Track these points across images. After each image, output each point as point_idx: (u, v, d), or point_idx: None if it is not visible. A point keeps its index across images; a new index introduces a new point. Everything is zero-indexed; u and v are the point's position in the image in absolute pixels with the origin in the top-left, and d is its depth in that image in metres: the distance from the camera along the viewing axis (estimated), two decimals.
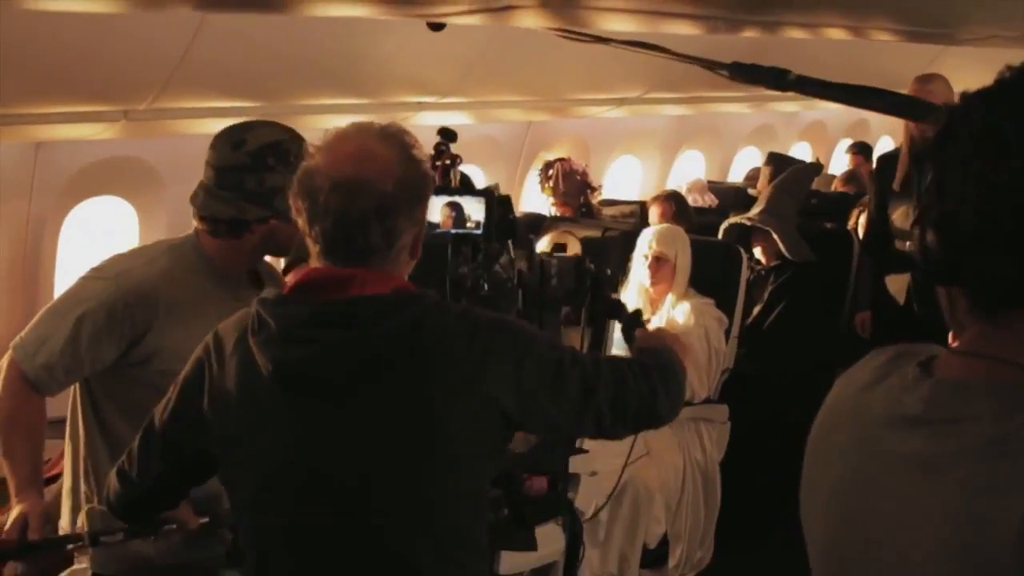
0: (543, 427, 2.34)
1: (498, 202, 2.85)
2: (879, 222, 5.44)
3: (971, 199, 1.19)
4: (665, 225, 5.32)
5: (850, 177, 8.10)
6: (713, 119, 8.09)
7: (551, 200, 6.42)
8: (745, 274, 5.24)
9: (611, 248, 5.59)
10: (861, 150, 8.88)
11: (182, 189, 4.66)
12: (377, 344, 2.02)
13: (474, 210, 2.84)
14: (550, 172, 6.40)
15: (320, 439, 2.06)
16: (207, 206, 2.73)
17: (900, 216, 5.32)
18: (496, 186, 3.01)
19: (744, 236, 5.70)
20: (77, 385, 2.78)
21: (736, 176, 8.69)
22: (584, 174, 6.48)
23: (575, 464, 4.21)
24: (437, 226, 2.75)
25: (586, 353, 2.55)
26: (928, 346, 1.33)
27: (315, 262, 2.09)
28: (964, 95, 1.26)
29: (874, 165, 5.65)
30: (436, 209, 2.76)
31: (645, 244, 5.03)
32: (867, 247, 5.64)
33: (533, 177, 6.61)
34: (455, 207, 2.84)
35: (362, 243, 2.03)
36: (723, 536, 5.00)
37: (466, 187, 2.95)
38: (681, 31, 4.17)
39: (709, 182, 7.70)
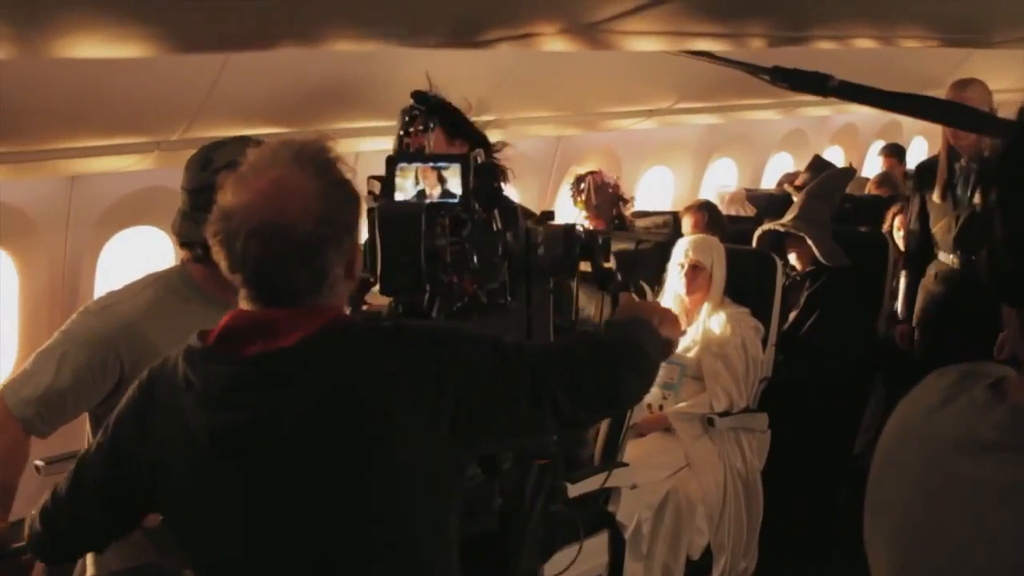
0: (500, 432, 2.16)
1: (482, 169, 2.67)
2: (921, 233, 5.42)
3: None
4: (700, 235, 5.33)
5: (883, 180, 8.06)
6: (744, 127, 8.07)
7: (584, 214, 6.43)
8: (781, 281, 5.22)
9: (645, 259, 5.60)
10: (894, 152, 8.83)
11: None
12: (306, 398, 1.92)
13: (451, 178, 2.61)
14: (582, 186, 6.40)
15: (263, 497, 1.95)
16: (183, 231, 2.72)
17: (941, 229, 5.27)
18: (478, 153, 2.78)
19: (778, 242, 5.69)
20: (87, 420, 2.79)
21: (769, 183, 8.66)
22: (616, 187, 6.47)
23: (616, 478, 4.21)
24: (423, 193, 2.54)
25: (532, 343, 2.46)
26: (996, 366, 1.29)
27: (243, 303, 1.99)
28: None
29: (914, 173, 5.65)
30: (416, 176, 2.56)
31: (681, 253, 5.04)
32: (909, 260, 5.58)
33: (565, 192, 6.62)
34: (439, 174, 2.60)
35: (286, 287, 1.94)
36: (766, 546, 4.98)
37: (441, 153, 2.75)
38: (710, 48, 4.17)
39: (746, 191, 7.69)
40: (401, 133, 4.07)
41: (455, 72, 4.48)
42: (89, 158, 3.81)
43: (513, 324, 2.67)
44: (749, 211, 7.32)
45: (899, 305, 5.64)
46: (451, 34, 3.31)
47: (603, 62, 4.27)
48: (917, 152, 10.02)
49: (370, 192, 2.63)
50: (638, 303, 2.65)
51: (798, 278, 5.70)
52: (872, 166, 9.47)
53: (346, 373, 1.94)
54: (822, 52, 5.14)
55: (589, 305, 4.50)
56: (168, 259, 4.73)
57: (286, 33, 2.85)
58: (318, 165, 1.93)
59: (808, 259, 5.68)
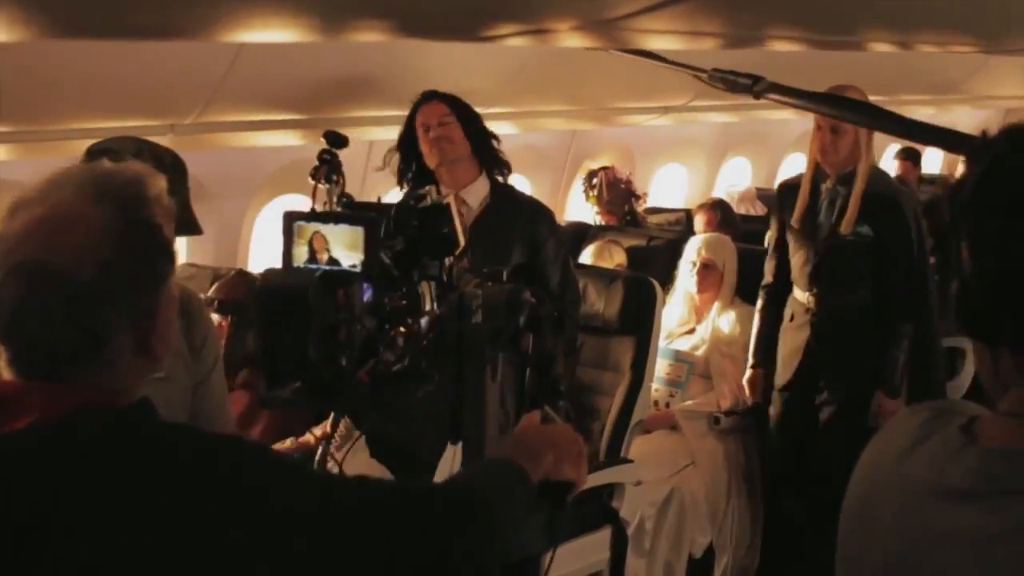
0: None
1: (429, 213, 2.23)
2: (778, 266, 4.74)
3: (1019, 254, 1.13)
4: (713, 233, 5.33)
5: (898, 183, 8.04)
6: (759, 126, 8.05)
7: (596, 209, 6.43)
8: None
9: (657, 256, 5.60)
10: (909, 155, 8.80)
11: (228, 202, 4.76)
12: (25, 504, 1.42)
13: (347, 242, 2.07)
14: (594, 181, 6.41)
15: None
16: None
17: (798, 262, 4.59)
18: (429, 190, 2.31)
19: None
20: None
21: None
22: (628, 183, 6.48)
23: (620, 474, 4.22)
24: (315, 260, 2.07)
25: (357, 482, 1.76)
26: (966, 404, 1.26)
27: (3, 370, 1.53)
28: (995, 140, 1.20)
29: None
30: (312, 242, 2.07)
31: (693, 251, 5.04)
32: (765, 297, 4.81)
33: (578, 186, 6.62)
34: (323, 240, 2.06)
35: (44, 349, 1.49)
36: (769, 545, 4.97)
37: (343, 212, 2.20)
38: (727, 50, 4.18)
39: (757, 189, 7.67)
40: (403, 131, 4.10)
41: (470, 63, 4.50)
42: (98, 139, 3.81)
43: (436, 405, 2.21)
44: (759, 210, 7.30)
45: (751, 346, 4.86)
46: (464, 28, 3.31)
47: (619, 57, 4.25)
48: (933, 157, 9.98)
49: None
50: (535, 432, 2.02)
51: None
52: (887, 169, 9.43)
53: (64, 504, 1.41)
54: (838, 56, 5.15)
55: (599, 301, 4.50)
56: (179, 242, 4.74)
57: (306, 25, 2.86)
58: (120, 199, 1.51)
59: None
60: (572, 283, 4.10)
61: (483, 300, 2.22)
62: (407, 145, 4.04)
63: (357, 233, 2.01)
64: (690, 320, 5.04)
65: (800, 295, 4.59)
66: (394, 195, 4.51)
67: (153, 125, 3.84)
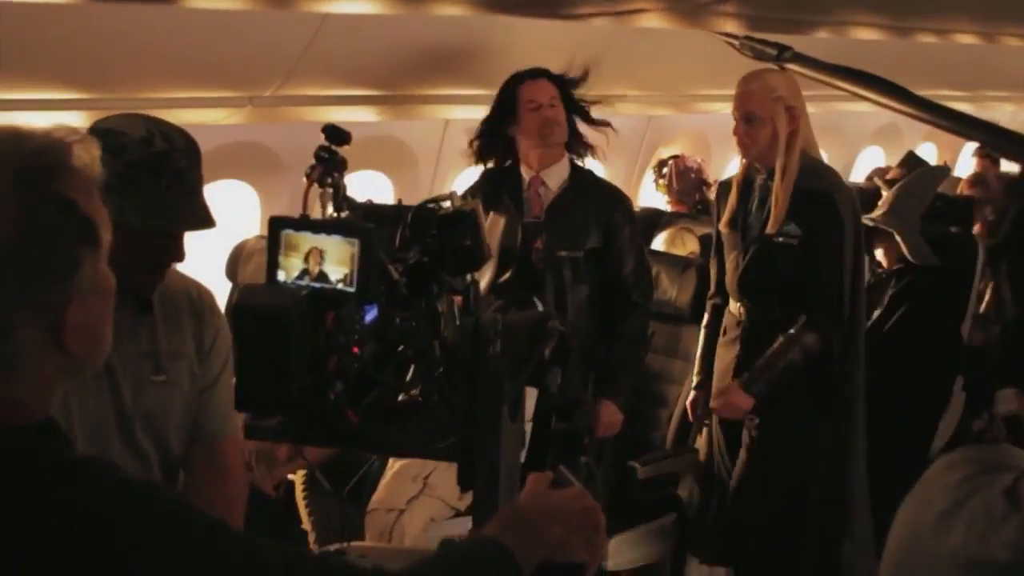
0: None
1: (448, 222, 1.93)
2: (718, 273, 4.23)
3: None
4: None
5: (977, 180, 7.89)
6: (837, 117, 7.96)
7: (666, 198, 6.39)
8: (866, 277, 5.13)
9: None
10: (989, 153, 8.66)
11: (301, 176, 4.76)
12: None
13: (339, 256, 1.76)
14: (664, 170, 6.37)
15: None
16: None
17: (729, 267, 4.11)
18: (452, 195, 2.03)
19: (865, 237, 5.59)
20: None
21: (858, 176, 8.54)
22: (699, 171, 6.42)
23: (685, 463, 4.19)
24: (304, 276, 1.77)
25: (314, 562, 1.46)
26: (1011, 453, 1.18)
27: None
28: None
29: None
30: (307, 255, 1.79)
31: None
32: (713, 310, 4.28)
33: (651, 173, 6.58)
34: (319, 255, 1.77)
35: None
36: None
37: (335, 221, 1.90)
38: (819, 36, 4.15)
39: None
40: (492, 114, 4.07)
41: (550, 44, 4.47)
42: (184, 109, 3.82)
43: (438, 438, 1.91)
44: None
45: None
46: (547, 4, 3.29)
47: (699, 43, 4.21)
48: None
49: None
50: (538, 502, 1.60)
51: (884, 275, 5.60)
52: (966, 166, 9.29)
53: None
54: (918, 48, 5.07)
55: (671, 288, 4.46)
56: (254, 215, 4.77)
57: None
58: (19, 170, 1.30)
59: (895, 256, 5.57)
60: (646, 272, 4.07)
61: (503, 327, 1.90)
62: (499, 121, 3.98)
63: (350, 247, 1.72)
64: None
65: (732, 305, 4.12)
66: (470, 175, 4.50)
67: (233, 96, 3.86)
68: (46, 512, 1.21)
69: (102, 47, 3.32)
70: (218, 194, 4.64)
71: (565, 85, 3.99)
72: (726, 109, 6.33)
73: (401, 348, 1.82)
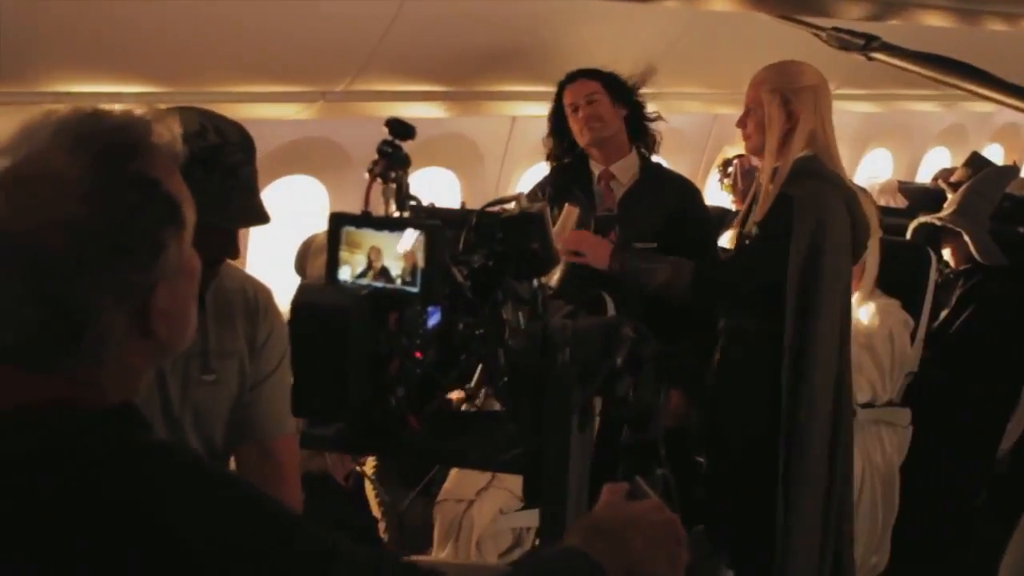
0: None
1: (513, 225, 1.83)
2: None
3: None
4: None
5: None
6: (903, 117, 7.90)
7: (731, 198, 6.37)
8: (933, 276, 5.10)
9: None
10: None
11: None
12: None
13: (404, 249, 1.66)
14: (729, 169, 6.34)
15: None
16: None
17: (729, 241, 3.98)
18: (518, 196, 1.92)
19: (933, 237, 5.55)
20: None
21: (924, 177, 8.47)
22: None
23: None
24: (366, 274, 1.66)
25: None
26: None
27: None
28: None
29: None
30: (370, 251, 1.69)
31: None
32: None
33: (716, 172, 6.57)
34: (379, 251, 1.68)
35: (14, 334, 1.25)
36: (899, 543, 4.89)
37: (400, 218, 1.79)
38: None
39: (899, 182, 7.54)
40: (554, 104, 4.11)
41: (618, 41, 4.48)
42: (254, 104, 3.86)
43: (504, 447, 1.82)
44: (900, 202, 7.18)
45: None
46: None
47: (766, 42, 4.20)
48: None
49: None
50: (619, 513, 1.52)
51: (951, 275, 5.57)
52: None
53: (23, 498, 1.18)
54: (991, 38, 5.02)
55: None
56: (322, 209, 4.81)
57: None
58: (102, 147, 1.25)
59: (963, 256, 5.53)
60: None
61: (573, 334, 1.81)
62: (557, 122, 4.06)
63: (415, 244, 1.63)
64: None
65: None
66: (536, 173, 4.52)
67: (305, 91, 3.88)
68: (120, 496, 1.17)
69: (175, 41, 3.34)
70: (287, 190, 4.69)
71: (608, 77, 4.02)
72: None
73: (464, 357, 1.75)
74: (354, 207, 4.63)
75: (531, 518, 3.59)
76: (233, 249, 2.24)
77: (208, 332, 2.30)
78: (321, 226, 4.68)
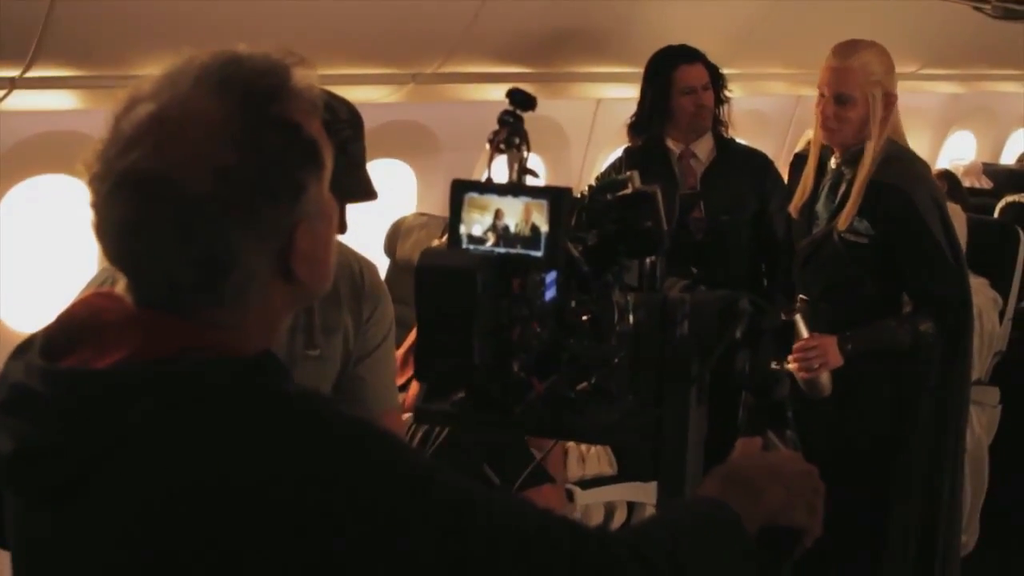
0: None
1: (630, 202, 1.83)
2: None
3: None
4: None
5: None
6: (988, 99, 7.82)
7: None
8: (1022, 255, 5.06)
9: None
10: None
11: (459, 155, 4.85)
12: (67, 467, 1.21)
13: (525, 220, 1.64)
14: None
15: (36, 555, 1.31)
16: None
17: (798, 259, 3.72)
18: (631, 175, 1.88)
19: (1021, 216, 5.51)
20: None
21: (1008, 159, 8.37)
22: None
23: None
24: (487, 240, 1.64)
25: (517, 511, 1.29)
26: None
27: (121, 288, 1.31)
28: None
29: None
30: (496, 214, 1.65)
31: None
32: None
33: None
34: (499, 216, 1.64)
35: (157, 277, 1.25)
36: (989, 522, 4.86)
37: (522, 185, 1.73)
38: None
39: (983, 164, 7.48)
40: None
41: (701, 23, 4.50)
42: (346, 86, 3.88)
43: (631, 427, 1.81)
44: (984, 184, 7.13)
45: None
46: None
47: (850, 23, 4.18)
48: None
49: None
50: (756, 463, 1.53)
51: None
52: None
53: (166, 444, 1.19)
54: None
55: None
56: (409, 192, 4.87)
57: None
58: (246, 90, 1.25)
59: None
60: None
61: (691, 308, 1.79)
62: (654, 99, 4.08)
63: (539, 209, 1.59)
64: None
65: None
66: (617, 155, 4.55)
67: (397, 73, 3.94)
68: (262, 448, 1.17)
69: (269, 23, 3.37)
70: (375, 172, 4.75)
71: (716, 70, 4.14)
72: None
73: (571, 335, 1.71)
74: (442, 190, 4.70)
75: (613, 492, 3.61)
76: (341, 224, 2.24)
77: (313, 307, 2.31)
78: (409, 209, 4.78)
